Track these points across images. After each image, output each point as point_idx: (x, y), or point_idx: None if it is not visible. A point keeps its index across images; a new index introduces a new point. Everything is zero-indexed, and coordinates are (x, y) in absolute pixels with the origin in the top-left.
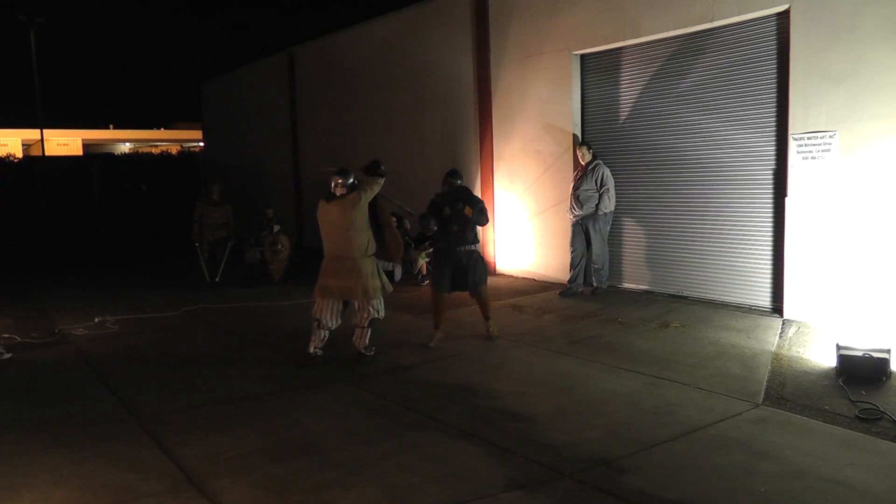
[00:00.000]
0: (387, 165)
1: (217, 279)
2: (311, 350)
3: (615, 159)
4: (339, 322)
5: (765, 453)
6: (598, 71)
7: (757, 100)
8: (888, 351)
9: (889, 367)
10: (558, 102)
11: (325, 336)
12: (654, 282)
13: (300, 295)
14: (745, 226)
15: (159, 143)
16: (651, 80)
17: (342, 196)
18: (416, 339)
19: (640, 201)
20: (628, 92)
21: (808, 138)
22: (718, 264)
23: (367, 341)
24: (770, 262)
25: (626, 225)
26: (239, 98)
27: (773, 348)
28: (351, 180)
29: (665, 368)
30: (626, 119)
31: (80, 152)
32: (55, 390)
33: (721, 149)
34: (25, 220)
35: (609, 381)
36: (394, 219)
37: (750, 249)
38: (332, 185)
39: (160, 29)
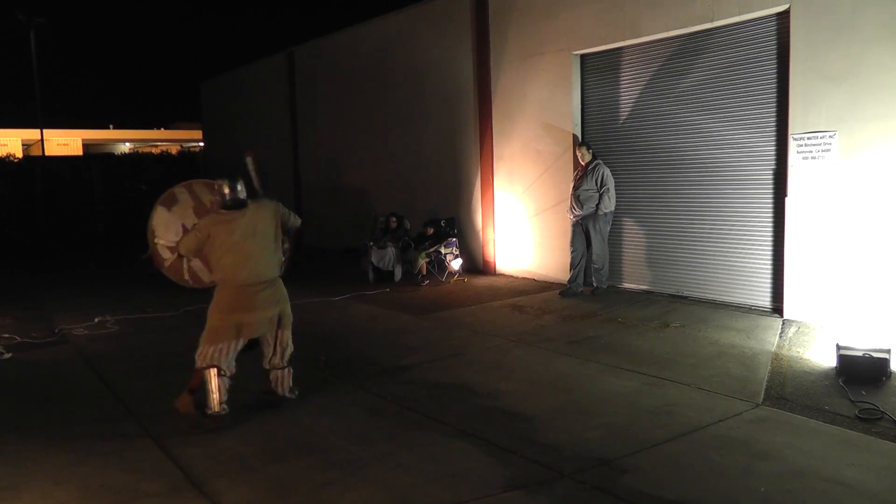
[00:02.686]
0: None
1: None
2: (218, 408)
3: (615, 159)
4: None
5: (765, 453)
6: (598, 71)
7: (757, 100)
8: (888, 351)
9: (889, 367)
10: (558, 102)
11: (228, 385)
12: (654, 282)
13: (300, 295)
14: (745, 226)
15: (159, 143)
16: (651, 80)
17: (255, 202)
18: (415, 339)
19: (640, 201)
20: (628, 92)
21: (808, 138)
22: (718, 264)
23: (290, 382)
24: (770, 262)
25: (626, 225)
26: (239, 98)
27: (773, 348)
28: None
29: (665, 368)
30: (626, 119)
31: (80, 152)
32: (55, 390)
33: (721, 149)
34: (25, 220)
35: (609, 381)
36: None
37: (750, 249)
38: (228, 191)
39: (160, 29)
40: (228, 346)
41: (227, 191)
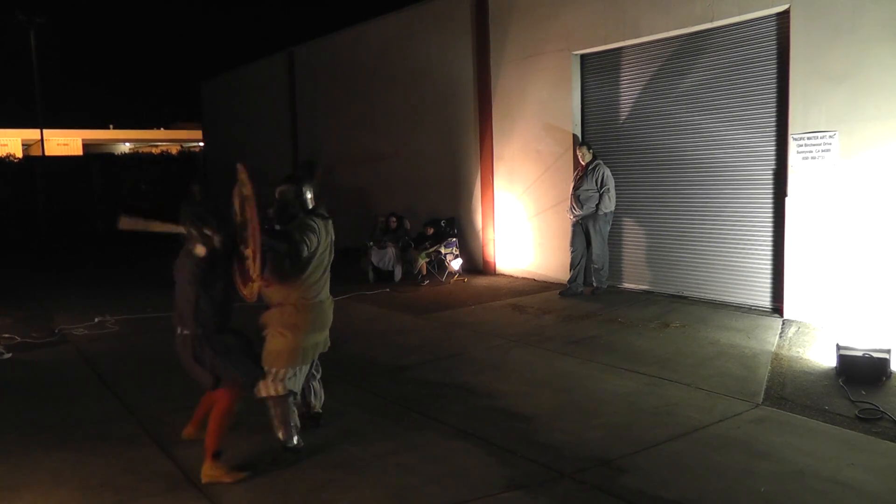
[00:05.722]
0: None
1: None
2: (298, 441)
3: (615, 159)
4: None
5: (765, 453)
6: (598, 71)
7: (757, 100)
8: (888, 351)
9: (889, 367)
10: (558, 102)
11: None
12: (654, 282)
13: None
14: (745, 226)
15: (159, 143)
16: (651, 80)
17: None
18: (415, 339)
19: (640, 201)
20: (628, 92)
21: (808, 138)
22: (718, 264)
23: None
24: (770, 262)
25: (626, 225)
26: (239, 98)
27: (773, 348)
28: None
29: (665, 368)
30: (626, 119)
31: (80, 152)
32: (55, 390)
33: (721, 149)
34: (25, 219)
35: (609, 381)
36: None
37: (750, 249)
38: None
39: (160, 29)
40: (305, 368)
41: (311, 196)
